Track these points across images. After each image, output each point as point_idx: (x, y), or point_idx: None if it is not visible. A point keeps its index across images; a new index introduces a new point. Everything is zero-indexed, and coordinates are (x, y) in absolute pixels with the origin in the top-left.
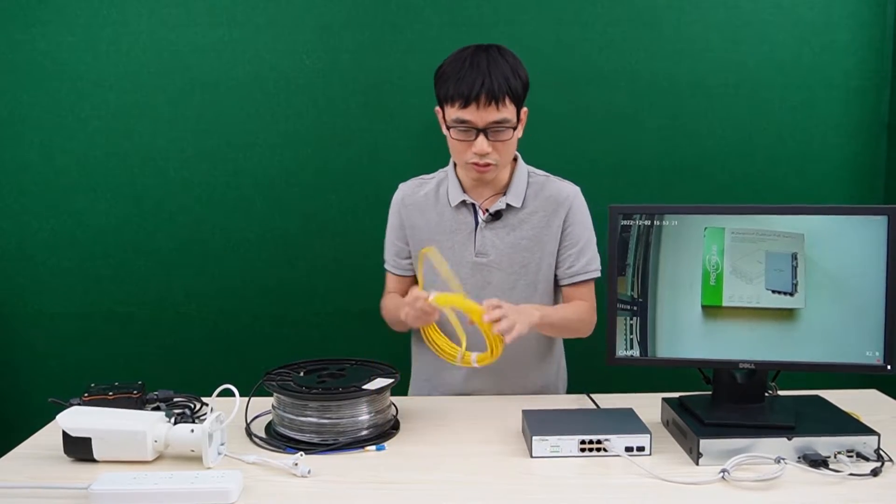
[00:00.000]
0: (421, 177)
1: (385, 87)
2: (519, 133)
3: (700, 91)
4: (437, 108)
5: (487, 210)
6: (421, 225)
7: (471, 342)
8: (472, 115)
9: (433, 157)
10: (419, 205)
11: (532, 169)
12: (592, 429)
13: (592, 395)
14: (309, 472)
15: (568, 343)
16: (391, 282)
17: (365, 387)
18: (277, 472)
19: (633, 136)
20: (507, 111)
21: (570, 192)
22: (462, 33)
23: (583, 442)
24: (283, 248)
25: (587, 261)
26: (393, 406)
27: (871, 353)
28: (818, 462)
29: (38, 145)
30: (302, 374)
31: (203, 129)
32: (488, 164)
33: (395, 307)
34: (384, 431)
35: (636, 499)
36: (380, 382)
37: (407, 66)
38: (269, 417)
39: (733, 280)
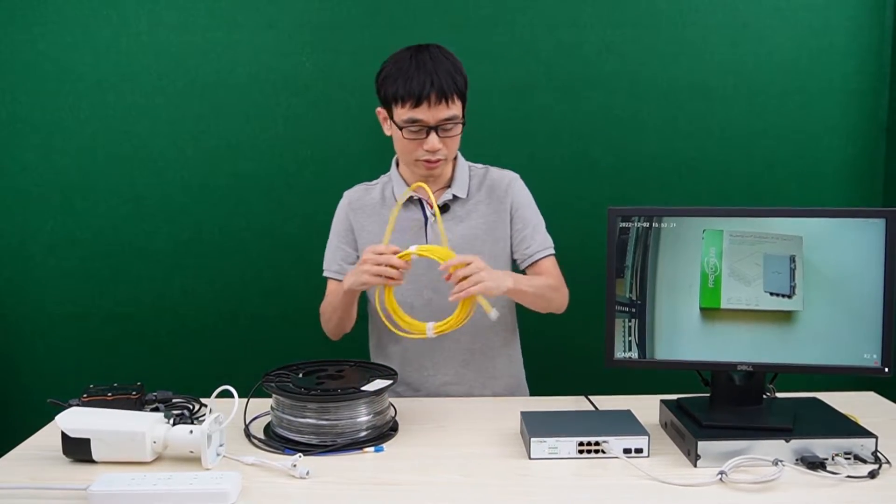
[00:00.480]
0: (364, 183)
1: None
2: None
3: (699, 93)
4: (379, 109)
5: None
6: (370, 228)
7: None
8: (424, 113)
9: None
10: (367, 209)
11: (472, 163)
12: (591, 430)
13: (590, 397)
14: (308, 473)
15: (566, 344)
16: (334, 288)
17: (364, 388)
18: (276, 473)
19: (632, 138)
20: (455, 107)
21: (510, 178)
22: (461, 35)
23: (581, 444)
24: (283, 250)
25: (542, 239)
26: (392, 407)
27: (868, 356)
28: (816, 464)
29: (37, 146)
30: (301, 375)
31: (202, 130)
32: (438, 160)
33: (337, 296)
34: (383, 433)
35: (634, 500)
36: (378, 384)
37: None
38: (268, 419)
39: (731, 282)
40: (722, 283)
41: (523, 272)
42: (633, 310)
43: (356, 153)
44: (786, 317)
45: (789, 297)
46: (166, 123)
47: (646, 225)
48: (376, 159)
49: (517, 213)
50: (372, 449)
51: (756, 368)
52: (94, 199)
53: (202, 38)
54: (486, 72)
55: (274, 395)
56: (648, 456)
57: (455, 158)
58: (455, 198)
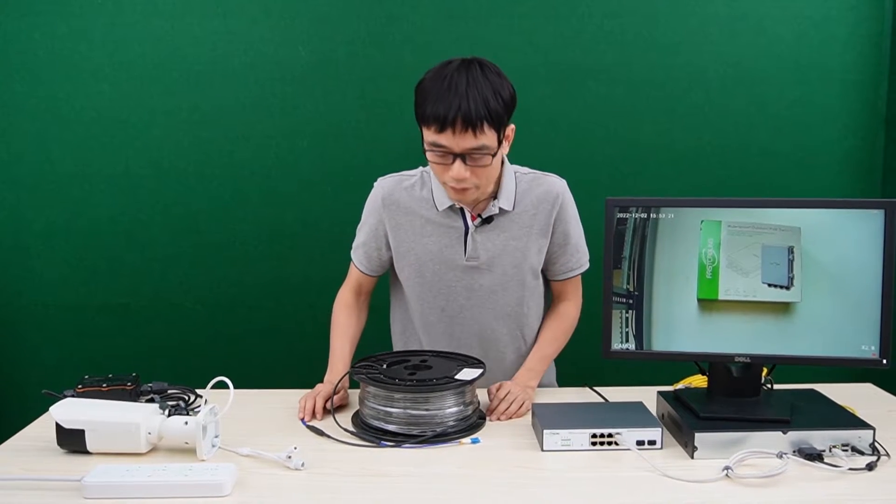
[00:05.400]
0: (402, 173)
1: (381, 79)
2: (505, 150)
3: (698, 84)
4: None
5: (479, 215)
6: (406, 226)
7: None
8: (448, 140)
9: None
10: (403, 205)
11: (518, 168)
12: (603, 422)
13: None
14: (303, 465)
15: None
16: (356, 277)
17: (457, 377)
18: (271, 464)
19: (630, 128)
20: (486, 137)
21: (559, 189)
22: (459, 26)
23: (594, 435)
24: (279, 240)
25: (579, 256)
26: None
27: (866, 347)
28: (813, 456)
29: (32, 136)
30: (385, 366)
31: (198, 121)
32: (466, 188)
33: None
34: (472, 423)
35: (647, 492)
36: (469, 373)
37: (403, 57)
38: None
39: (729, 273)
40: (720, 274)
41: (549, 280)
42: (631, 301)
43: (352, 144)
44: (784, 308)
45: (787, 288)
46: (162, 113)
47: (643, 215)
48: (373, 150)
49: (560, 228)
50: (469, 440)
51: (754, 360)
52: (89, 190)
53: (198, 27)
54: None
55: (364, 386)
56: (662, 448)
57: (502, 163)
58: (501, 210)
